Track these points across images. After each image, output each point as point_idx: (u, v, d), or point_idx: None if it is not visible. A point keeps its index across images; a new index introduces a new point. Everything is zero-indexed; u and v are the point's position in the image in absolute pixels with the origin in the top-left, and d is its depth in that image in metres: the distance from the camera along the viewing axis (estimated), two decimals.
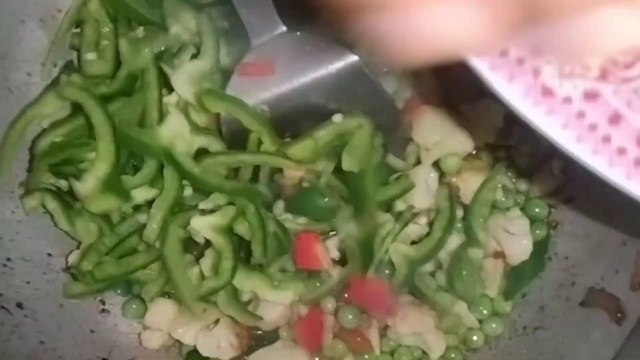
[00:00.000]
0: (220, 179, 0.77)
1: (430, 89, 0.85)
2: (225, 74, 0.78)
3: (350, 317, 0.81)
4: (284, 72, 0.74)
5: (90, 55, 0.82)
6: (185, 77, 0.76)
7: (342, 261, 0.84)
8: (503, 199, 0.83)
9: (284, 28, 0.73)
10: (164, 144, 0.76)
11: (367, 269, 0.81)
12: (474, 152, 0.85)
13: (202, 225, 0.78)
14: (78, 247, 0.84)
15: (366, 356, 0.82)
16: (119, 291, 0.87)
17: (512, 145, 0.85)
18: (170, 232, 0.78)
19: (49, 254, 0.85)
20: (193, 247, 0.83)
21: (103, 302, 0.87)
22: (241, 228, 0.79)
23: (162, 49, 0.81)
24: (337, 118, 0.77)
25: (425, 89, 0.84)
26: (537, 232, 0.83)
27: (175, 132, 0.76)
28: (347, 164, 0.77)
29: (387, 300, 0.81)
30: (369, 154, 0.79)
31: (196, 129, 0.77)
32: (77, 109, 0.81)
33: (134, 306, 0.86)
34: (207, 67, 0.80)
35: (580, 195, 0.83)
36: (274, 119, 0.77)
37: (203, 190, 0.79)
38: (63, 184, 0.82)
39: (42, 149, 0.81)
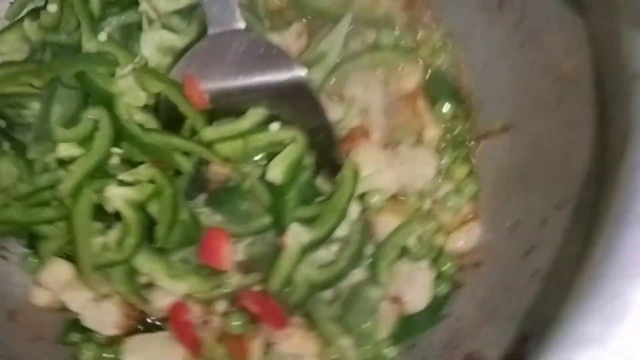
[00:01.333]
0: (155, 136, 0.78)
1: (376, 125, 0.86)
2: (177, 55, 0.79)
3: (237, 323, 0.81)
4: (231, 68, 0.76)
5: (51, 7, 0.83)
6: (156, 40, 0.78)
7: (245, 268, 0.84)
8: (415, 248, 0.84)
9: (242, 25, 0.75)
10: (114, 91, 0.78)
11: (268, 282, 0.81)
12: (401, 197, 0.87)
13: (117, 195, 0.78)
14: None
15: None
16: (22, 242, 0.86)
17: (438, 198, 0.87)
18: (84, 193, 0.78)
19: None
20: (106, 218, 0.83)
21: (2, 247, 0.86)
22: (154, 207, 0.80)
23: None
24: (274, 127, 0.78)
25: (371, 123, 0.86)
26: (440, 287, 0.84)
27: (129, 85, 0.77)
28: (272, 174, 0.78)
29: (279, 316, 0.81)
30: (296, 169, 0.80)
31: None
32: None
33: (32, 260, 0.85)
34: (182, 46, 0.81)
35: (489, 262, 0.84)
36: (212, 109, 0.78)
37: (130, 151, 0.80)
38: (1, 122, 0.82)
39: None
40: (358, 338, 0.81)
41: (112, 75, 0.81)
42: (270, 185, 0.82)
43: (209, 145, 0.78)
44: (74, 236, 0.79)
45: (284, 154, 0.78)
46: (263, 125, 0.79)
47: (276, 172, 0.77)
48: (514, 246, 0.81)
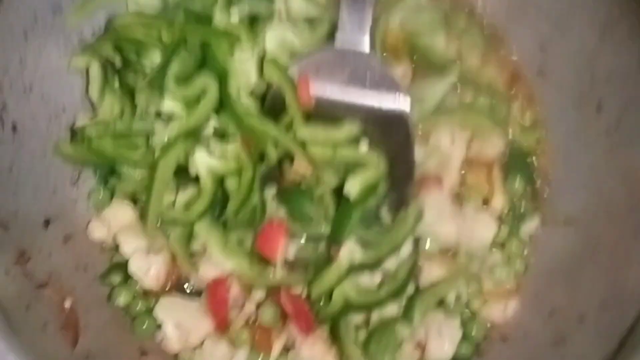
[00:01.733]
0: (255, 120, 0.83)
1: (450, 178, 0.91)
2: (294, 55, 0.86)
3: (269, 315, 0.84)
4: (344, 83, 0.81)
5: None
6: (280, 37, 0.84)
7: (291, 267, 0.87)
8: (452, 304, 0.87)
9: (367, 50, 0.81)
10: (230, 68, 0.83)
11: (309, 287, 0.84)
12: (453, 252, 0.90)
13: (202, 162, 0.83)
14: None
15: (259, 358, 0.84)
16: (97, 175, 0.91)
17: (487, 265, 0.90)
18: (174, 150, 0.83)
19: (64, 109, 0.90)
20: (182, 180, 0.88)
21: (79, 176, 0.91)
22: (231, 183, 0.84)
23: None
24: (363, 147, 0.83)
25: (446, 175, 0.90)
26: (463, 348, 0.86)
27: (245, 68, 0.83)
28: (348, 189, 0.83)
29: (308, 322, 0.84)
30: (369, 193, 0.84)
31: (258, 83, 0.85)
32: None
33: (101, 194, 0.90)
34: (301, 49, 0.87)
35: (517, 340, 0.87)
36: (312, 113, 0.83)
37: (225, 126, 0.85)
38: (117, 61, 0.88)
39: (118, 25, 0.88)
40: None
41: (231, 54, 0.87)
42: (339, 199, 0.86)
43: (301, 143, 0.83)
44: (150, 186, 0.84)
45: (365, 175, 0.83)
46: (354, 142, 0.84)
47: (354, 188, 0.82)
48: (545, 332, 0.83)
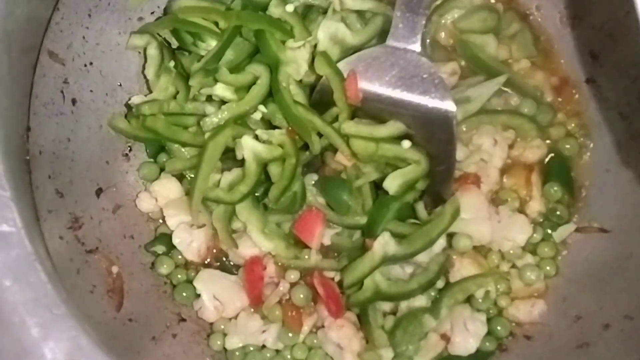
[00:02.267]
0: (302, 110, 0.87)
1: (489, 179, 0.92)
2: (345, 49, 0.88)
3: (301, 296, 0.88)
4: (392, 80, 0.83)
5: None
6: (332, 30, 0.86)
7: (326, 253, 0.91)
8: (480, 300, 0.89)
9: (418, 48, 0.82)
10: (282, 58, 0.86)
11: (342, 273, 0.88)
12: (486, 251, 0.92)
13: (249, 146, 0.86)
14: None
15: (290, 334, 0.88)
16: (147, 150, 0.96)
17: (517, 266, 0.92)
18: (223, 133, 0.87)
19: (120, 85, 0.94)
20: (228, 162, 0.91)
21: (130, 149, 0.95)
22: (274, 169, 0.87)
23: None
24: (406, 144, 0.85)
25: (486, 175, 0.92)
26: (487, 344, 0.89)
27: (296, 58, 0.85)
28: (388, 184, 0.85)
29: (338, 305, 0.87)
30: (408, 188, 0.86)
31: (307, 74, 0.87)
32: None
33: (151, 168, 0.94)
34: (352, 43, 0.89)
35: (541, 340, 0.89)
36: (358, 107, 0.85)
37: (273, 114, 0.89)
38: (174, 42, 0.91)
39: (177, 8, 0.91)
40: (398, 355, 0.88)
41: (284, 43, 0.89)
42: (378, 192, 0.89)
43: (344, 137, 0.86)
44: (199, 165, 0.87)
45: (406, 170, 0.85)
46: (396, 139, 0.86)
47: (394, 183, 0.84)
48: (570, 335, 0.85)
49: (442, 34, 0.96)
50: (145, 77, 0.93)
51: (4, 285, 0.57)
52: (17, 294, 0.57)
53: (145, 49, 0.92)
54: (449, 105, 0.82)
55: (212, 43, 0.90)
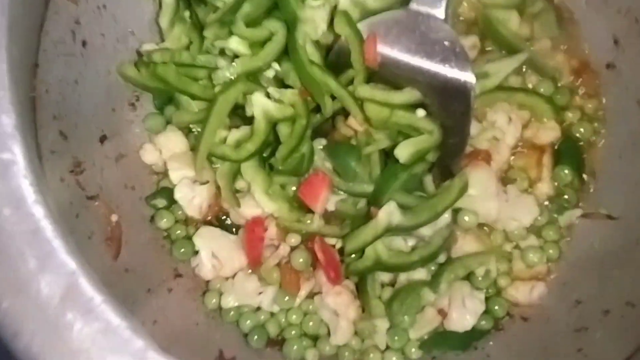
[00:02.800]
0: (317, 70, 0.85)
1: (500, 157, 0.91)
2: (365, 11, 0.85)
3: (301, 260, 0.87)
4: (412, 45, 0.81)
5: None
6: None
7: (329, 219, 0.90)
8: (480, 278, 0.88)
9: (442, 15, 0.80)
10: (300, 15, 0.84)
11: (344, 240, 0.87)
12: (490, 229, 0.91)
13: (260, 103, 0.85)
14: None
15: (286, 298, 0.87)
16: (155, 101, 0.94)
17: (521, 247, 0.91)
18: (234, 88, 0.85)
19: (132, 32, 0.92)
20: (236, 119, 0.90)
21: (137, 99, 0.93)
22: (283, 129, 0.86)
23: None
24: (420, 113, 0.83)
25: (497, 152, 0.90)
26: (483, 322, 0.88)
27: (315, 17, 0.83)
28: (399, 152, 0.83)
29: (337, 272, 0.86)
30: (419, 159, 0.85)
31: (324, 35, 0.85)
32: None
33: (157, 120, 0.92)
34: (373, 6, 0.86)
35: (538, 322, 0.88)
36: (375, 72, 0.83)
37: (287, 73, 0.87)
38: None
39: None
40: (394, 326, 0.87)
41: (303, 1, 0.87)
42: (387, 161, 0.88)
43: (359, 100, 0.84)
44: (206, 119, 0.86)
45: (418, 139, 0.83)
46: (411, 107, 0.84)
47: (405, 152, 0.82)
48: (568, 319, 0.85)
49: (465, 6, 0.94)
50: (158, 25, 0.91)
51: (3, 214, 0.56)
52: (15, 225, 0.56)
53: None
54: (468, 77, 0.80)
55: None
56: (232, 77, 0.85)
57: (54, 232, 0.56)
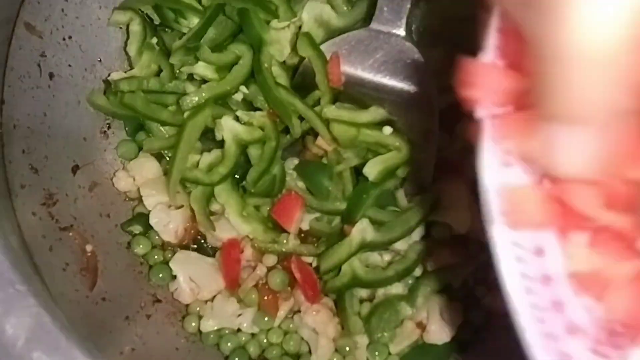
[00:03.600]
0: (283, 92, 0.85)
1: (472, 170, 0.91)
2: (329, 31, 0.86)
3: (278, 280, 0.87)
4: (375, 64, 0.82)
5: None
6: (318, 11, 0.85)
7: (303, 238, 0.90)
8: (457, 289, 0.89)
9: (403, 33, 0.81)
10: (265, 38, 0.85)
11: (319, 259, 0.87)
12: (465, 241, 0.91)
13: (229, 127, 0.85)
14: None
15: (266, 318, 0.88)
16: (127, 128, 0.94)
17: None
18: (203, 113, 0.85)
19: (100, 60, 0.92)
20: (207, 142, 0.90)
21: (109, 126, 0.93)
22: (254, 151, 0.86)
23: None
24: (387, 130, 0.84)
25: (469, 167, 0.91)
26: (463, 332, 0.88)
27: (280, 39, 0.84)
28: (368, 170, 0.84)
29: (315, 290, 0.87)
30: (388, 175, 0.85)
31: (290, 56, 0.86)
32: None
33: (129, 146, 0.92)
34: (337, 25, 0.87)
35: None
36: (340, 91, 0.84)
37: (254, 95, 0.88)
38: (156, 18, 0.90)
39: None
40: (374, 342, 0.87)
41: (268, 23, 0.88)
42: (359, 178, 0.88)
43: (326, 121, 0.85)
44: (177, 145, 0.86)
45: (386, 157, 0.84)
46: (378, 125, 0.85)
47: (374, 170, 0.83)
48: None
49: (428, 21, 0.94)
50: (126, 53, 0.92)
51: None
52: None
53: (127, 25, 0.91)
54: (432, 93, 0.81)
55: (195, 20, 0.88)
56: (200, 102, 0.86)
57: (19, 275, 0.57)
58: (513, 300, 0.41)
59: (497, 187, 0.41)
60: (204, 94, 0.85)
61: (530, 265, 0.42)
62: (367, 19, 0.85)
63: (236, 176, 0.89)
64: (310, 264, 0.89)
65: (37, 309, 0.56)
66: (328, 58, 0.83)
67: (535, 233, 0.42)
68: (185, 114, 0.86)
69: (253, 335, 0.89)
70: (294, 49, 0.86)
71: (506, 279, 0.42)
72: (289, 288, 0.89)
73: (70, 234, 0.84)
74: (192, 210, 0.89)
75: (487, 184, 0.41)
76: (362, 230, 0.84)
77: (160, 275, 0.90)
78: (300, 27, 0.87)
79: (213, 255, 0.91)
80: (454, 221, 0.88)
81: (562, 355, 0.41)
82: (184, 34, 0.88)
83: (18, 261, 0.59)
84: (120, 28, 0.92)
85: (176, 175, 0.86)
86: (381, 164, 0.83)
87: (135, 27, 0.88)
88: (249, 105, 0.89)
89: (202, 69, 0.87)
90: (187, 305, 0.91)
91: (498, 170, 0.41)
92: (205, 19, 0.86)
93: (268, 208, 0.89)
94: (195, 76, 0.89)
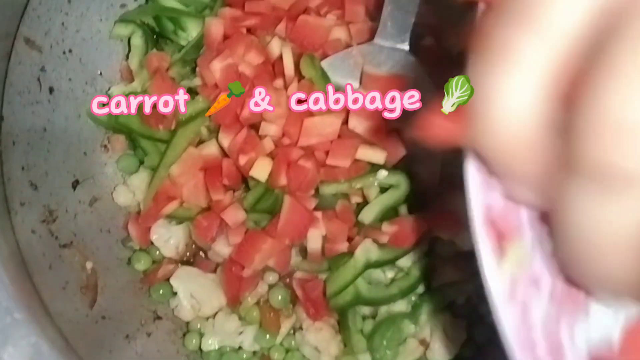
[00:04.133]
0: None
1: None
2: None
3: (279, 297, 0.86)
4: None
5: None
6: None
7: (306, 254, 0.89)
8: (461, 306, 0.88)
9: (407, 47, 0.80)
10: None
11: (324, 279, 0.86)
12: (468, 257, 0.90)
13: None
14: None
15: (267, 336, 0.87)
16: (127, 141, 0.93)
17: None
18: (194, 122, 0.85)
19: (100, 73, 0.91)
20: None
21: (109, 140, 0.92)
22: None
23: None
24: (381, 175, 0.83)
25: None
26: (466, 350, 0.87)
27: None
28: (364, 216, 0.83)
29: (317, 308, 0.86)
30: (387, 207, 0.84)
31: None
32: None
33: (130, 161, 0.91)
34: None
35: None
36: None
37: None
38: (155, 31, 0.89)
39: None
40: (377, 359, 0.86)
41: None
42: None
43: None
44: (164, 153, 0.86)
45: (383, 197, 0.83)
46: (373, 171, 0.83)
47: (368, 214, 0.83)
48: None
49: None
50: (128, 66, 0.91)
51: None
52: None
53: (129, 38, 0.90)
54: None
55: (194, 33, 0.87)
56: (192, 114, 0.84)
57: (17, 302, 0.56)
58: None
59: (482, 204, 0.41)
60: (198, 105, 0.84)
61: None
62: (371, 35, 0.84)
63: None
64: (312, 280, 0.88)
65: (35, 338, 0.55)
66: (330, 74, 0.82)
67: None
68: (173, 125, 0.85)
69: (254, 353, 0.88)
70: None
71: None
72: (290, 305, 0.88)
73: (70, 251, 0.83)
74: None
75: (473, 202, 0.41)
76: (366, 250, 0.83)
77: (161, 291, 0.89)
78: None
79: (214, 272, 0.90)
80: (457, 238, 0.87)
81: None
82: (183, 47, 0.87)
83: (16, 284, 0.58)
84: (121, 41, 0.91)
85: (156, 181, 0.85)
86: (377, 206, 0.82)
87: (137, 40, 0.88)
88: None
89: (199, 82, 0.85)
90: (187, 323, 0.90)
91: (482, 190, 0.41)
92: (203, 31, 0.85)
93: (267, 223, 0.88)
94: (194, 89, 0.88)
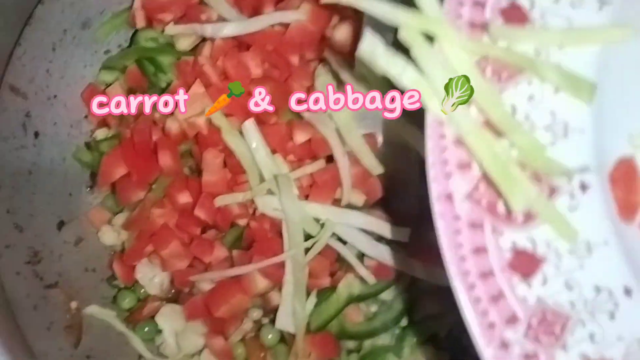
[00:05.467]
0: None
1: None
2: None
3: (270, 336, 0.86)
4: None
5: None
6: None
7: None
8: (444, 338, 0.88)
9: None
10: None
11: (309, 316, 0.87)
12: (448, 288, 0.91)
13: None
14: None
15: None
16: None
17: None
18: None
19: (86, 117, 0.93)
20: None
21: (94, 182, 0.94)
22: None
23: None
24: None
25: None
26: None
27: None
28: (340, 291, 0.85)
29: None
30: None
31: None
32: None
33: (114, 200, 0.93)
34: None
35: None
36: None
37: None
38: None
39: (140, 42, 0.91)
40: None
41: None
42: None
43: None
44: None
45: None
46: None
47: (345, 291, 0.85)
48: None
49: None
50: None
51: None
52: None
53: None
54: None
55: (173, 76, 0.89)
56: None
57: None
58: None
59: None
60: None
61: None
62: None
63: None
64: None
65: None
66: None
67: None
68: None
69: None
70: None
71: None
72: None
73: (55, 291, 0.84)
74: None
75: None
76: (348, 285, 0.84)
77: (146, 329, 0.90)
78: None
79: None
80: (434, 274, 0.88)
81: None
82: (163, 89, 0.89)
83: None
84: (106, 84, 0.94)
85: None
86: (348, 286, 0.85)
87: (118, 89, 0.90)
88: None
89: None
90: None
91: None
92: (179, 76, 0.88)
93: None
94: None
